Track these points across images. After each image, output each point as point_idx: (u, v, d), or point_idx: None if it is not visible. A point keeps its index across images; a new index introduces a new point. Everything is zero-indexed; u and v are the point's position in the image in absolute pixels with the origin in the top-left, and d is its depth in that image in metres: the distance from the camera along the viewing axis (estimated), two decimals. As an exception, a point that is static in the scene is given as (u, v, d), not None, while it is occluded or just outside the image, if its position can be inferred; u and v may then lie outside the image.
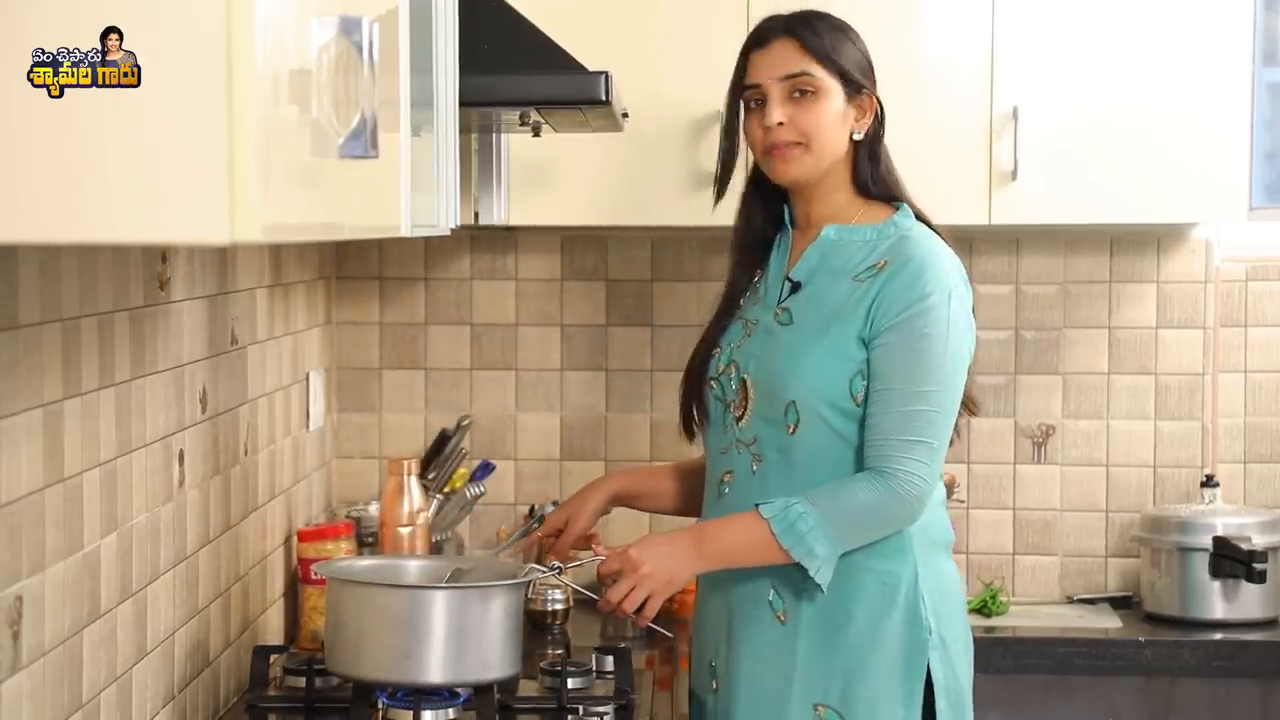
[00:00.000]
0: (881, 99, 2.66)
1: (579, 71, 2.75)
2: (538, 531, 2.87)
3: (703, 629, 2.72)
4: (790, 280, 2.64)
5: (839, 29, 2.65)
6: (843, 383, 2.53)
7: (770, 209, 2.71)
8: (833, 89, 2.60)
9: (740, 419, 2.62)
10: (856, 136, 2.63)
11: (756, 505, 2.52)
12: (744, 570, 2.58)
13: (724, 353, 2.67)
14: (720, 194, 2.73)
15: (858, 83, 2.62)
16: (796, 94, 2.59)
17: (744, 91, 2.64)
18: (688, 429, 2.75)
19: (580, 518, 2.79)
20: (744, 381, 2.62)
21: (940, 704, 2.57)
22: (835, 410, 2.53)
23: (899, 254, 2.56)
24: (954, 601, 2.63)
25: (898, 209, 2.65)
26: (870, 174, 2.66)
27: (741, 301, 2.71)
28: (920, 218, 2.66)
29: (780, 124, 2.58)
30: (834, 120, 2.60)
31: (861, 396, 2.53)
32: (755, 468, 2.59)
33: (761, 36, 2.64)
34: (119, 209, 1.31)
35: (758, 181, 2.71)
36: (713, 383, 2.67)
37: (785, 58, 2.60)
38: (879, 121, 2.66)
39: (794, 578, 2.54)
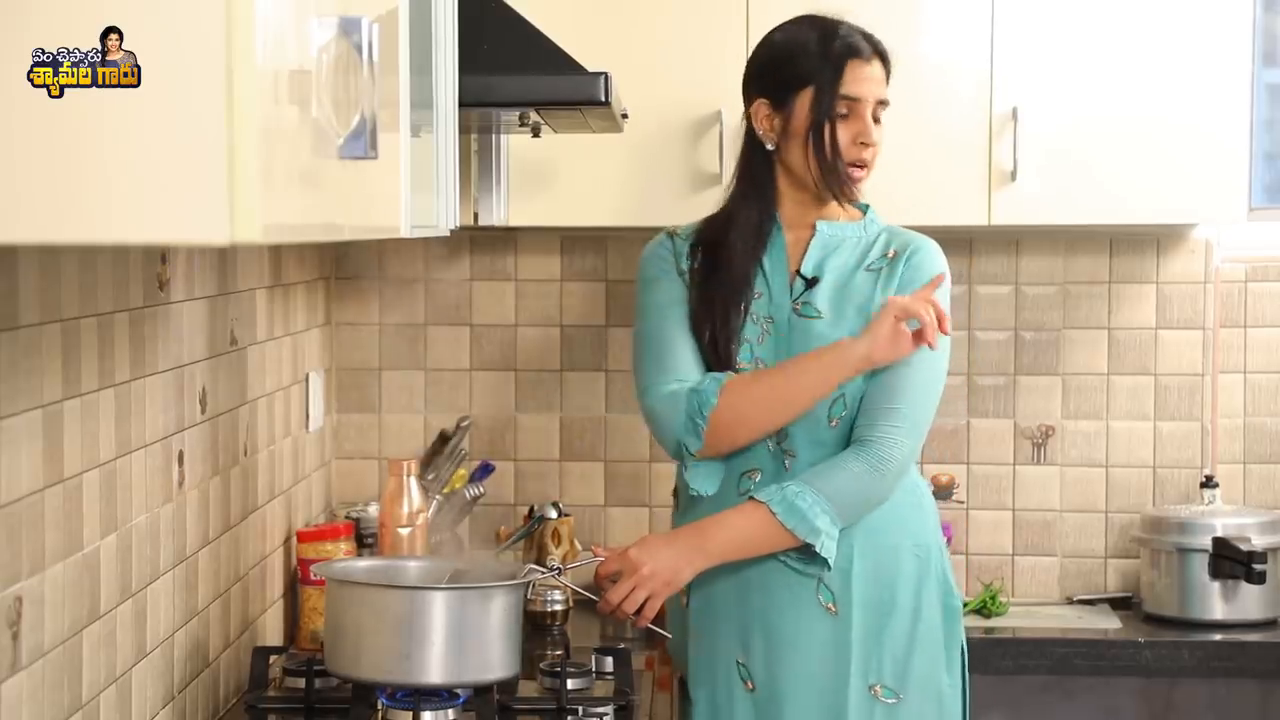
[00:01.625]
0: None
1: (578, 72, 2.75)
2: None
3: (719, 629, 2.71)
4: (803, 276, 2.69)
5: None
6: None
7: (767, 207, 2.72)
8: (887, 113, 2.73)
9: None
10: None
11: (750, 495, 2.57)
12: (780, 567, 2.60)
13: (743, 350, 2.69)
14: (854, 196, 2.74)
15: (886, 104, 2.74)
16: (875, 117, 2.68)
17: (841, 99, 2.66)
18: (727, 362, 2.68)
19: None
20: None
21: (968, 670, 2.74)
22: None
23: (905, 243, 2.71)
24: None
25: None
26: None
27: (747, 297, 2.72)
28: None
29: (872, 145, 2.68)
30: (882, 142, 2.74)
31: None
32: (788, 464, 2.63)
33: (859, 49, 2.68)
34: (119, 209, 1.30)
35: (758, 180, 2.71)
36: None
37: (880, 81, 2.69)
38: None
39: (837, 569, 2.61)
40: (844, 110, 2.65)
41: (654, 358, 2.70)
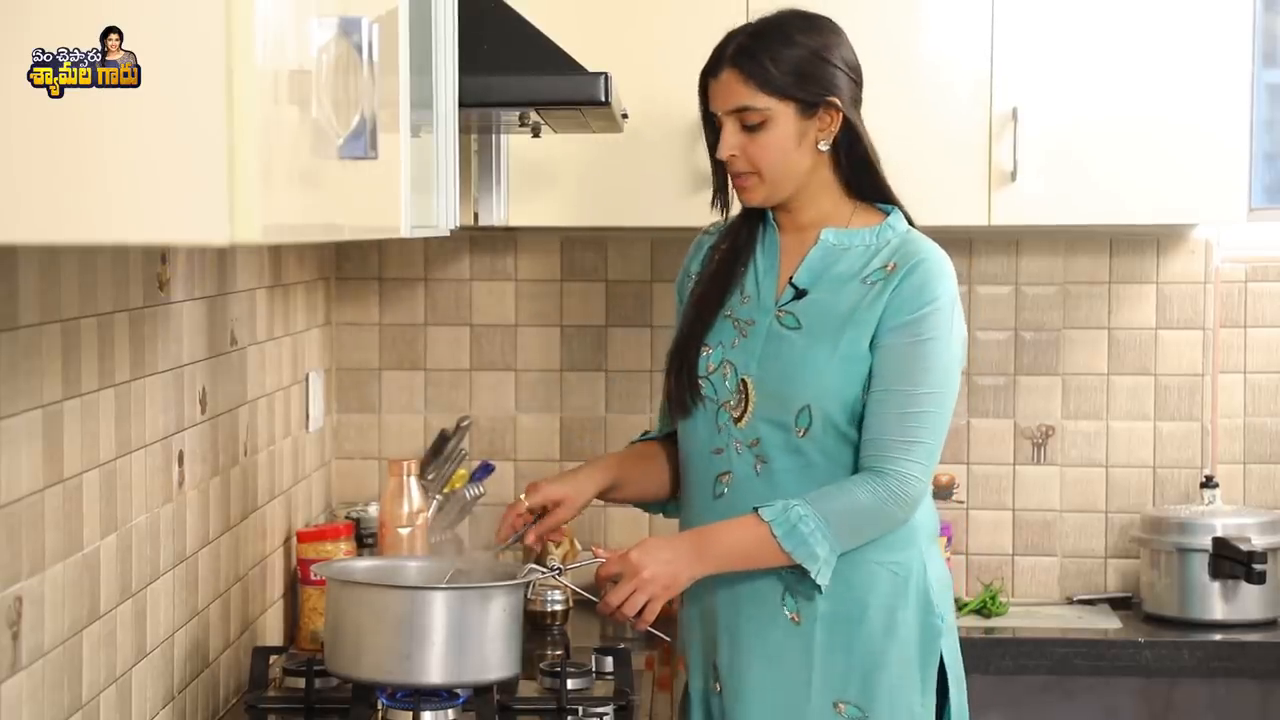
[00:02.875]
0: (846, 104, 2.59)
1: (578, 72, 2.75)
2: (525, 503, 2.70)
3: (700, 626, 2.71)
4: (794, 285, 2.63)
5: (791, 43, 2.58)
6: (857, 386, 2.55)
7: (753, 211, 2.70)
8: (782, 115, 2.57)
9: (739, 420, 2.61)
10: (823, 147, 2.60)
11: (755, 509, 2.53)
12: (752, 574, 2.58)
13: (714, 352, 2.65)
14: (724, 206, 2.72)
15: (812, 99, 2.57)
16: (745, 126, 2.57)
17: (712, 117, 2.63)
18: (681, 410, 2.68)
19: (572, 506, 2.70)
20: (743, 383, 2.61)
21: (952, 690, 2.63)
22: (847, 413, 2.55)
23: (908, 256, 2.58)
24: (949, 588, 2.69)
25: (889, 213, 2.66)
26: (854, 178, 2.65)
27: (724, 299, 2.69)
28: (910, 222, 2.67)
29: (733, 156, 2.58)
30: (786, 147, 2.58)
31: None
32: (759, 469, 2.59)
33: (711, 65, 2.61)
34: (119, 209, 1.31)
35: None
36: (701, 381, 2.65)
37: (730, 90, 2.58)
38: (850, 126, 2.60)
39: (804, 578, 2.55)
40: (718, 125, 2.61)
41: None
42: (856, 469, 2.56)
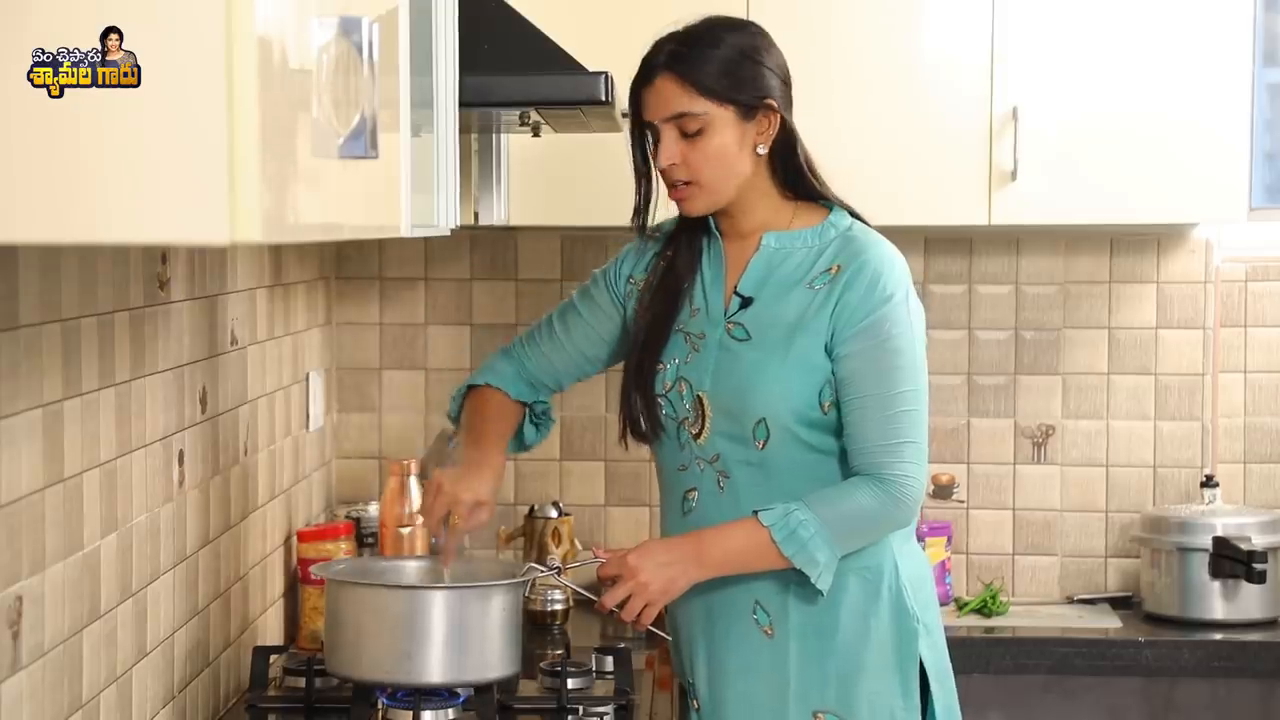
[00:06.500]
0: (782, 105, 2.55)
1: (579, 72, 2.75)
2: (454, 517, 2.58)
3: (676, 645, 2.71)
4: (740, 295, 2.58)
5: (723, 45, 2.54)
6: (812, 395, 2.51)
7: (698, 218, 2.63)
8: (722, 119, 2.52)
9: (698, 436, 2.57)
10: (761, 151, 2.55)
11: (755, 512, 2.50)
12: (723, 588, 2.57)
13: (668, 369, 2.60)
14: (643, 227, 2.66)
15: (751, 102, 2.53)
16: (684, 133, 2.52)
17: (647, 126, 2.57)
18: (639, 438, 2.65)
19: (490, 510, 2.62)
20: (699, 399, 2.57)
21: (934, 688, 2.58)
22: (804, 422, 2.51)
23: (851, 257, 2.53)
24: (928, 584, 2.65)
25: (830, 209, 2.60)
26: (789, 180, 2.60)
27: (675, 313, 2.63)
28: (854, 215, 2.61)
29: (673, 164, 2.53)
30: (727, 152, 2.53)
31: (830, 404, 2.51)
32: (722, 484, 2.56)
33: (646, 72, 2.55)
34: (119, 209, 1.31)
35: None
36: (659, 400, 2.61)
37: (667, 97, 2.52)
38: (786, 129, 2.56)
39: (774, 591, 2.54)
40: (654, 136, 2.56)
41: (535, 324, 2.82)
42: (826, 475, 2.53)
